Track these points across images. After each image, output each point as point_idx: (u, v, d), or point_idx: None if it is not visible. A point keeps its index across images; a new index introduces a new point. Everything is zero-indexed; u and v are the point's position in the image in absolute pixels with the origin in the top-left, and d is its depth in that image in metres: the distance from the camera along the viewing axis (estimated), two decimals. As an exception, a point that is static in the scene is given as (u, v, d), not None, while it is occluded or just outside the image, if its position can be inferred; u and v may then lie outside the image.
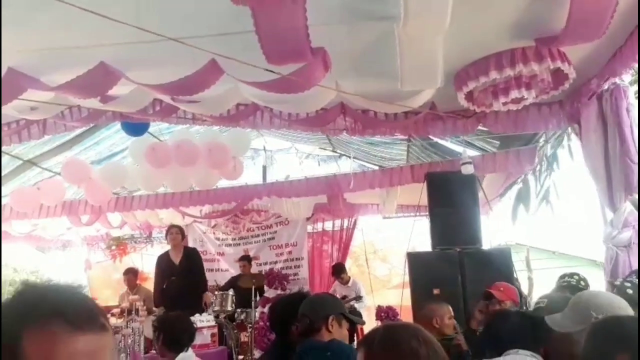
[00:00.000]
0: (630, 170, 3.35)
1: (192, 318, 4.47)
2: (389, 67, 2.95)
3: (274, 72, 2.62)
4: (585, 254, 9.75)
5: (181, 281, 5.81)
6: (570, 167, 4.56)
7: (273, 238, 8.56)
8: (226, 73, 2.82)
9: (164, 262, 6.00)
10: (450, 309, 3.45)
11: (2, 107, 3.14)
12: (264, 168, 8.20)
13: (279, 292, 6.73)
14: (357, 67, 3.27)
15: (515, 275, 4.78)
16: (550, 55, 2.87)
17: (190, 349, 3.37)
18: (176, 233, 6.06)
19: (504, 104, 3.19)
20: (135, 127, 5.05)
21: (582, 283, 3.37)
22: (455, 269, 4.84)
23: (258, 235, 8.63)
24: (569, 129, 4.18)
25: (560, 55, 2.90)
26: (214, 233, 8.80)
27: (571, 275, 3.46)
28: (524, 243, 8.49)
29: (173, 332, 3.26)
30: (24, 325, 0.80)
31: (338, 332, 2.39)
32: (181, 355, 3.23)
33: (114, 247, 9.52)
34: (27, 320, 0.81)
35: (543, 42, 2.84)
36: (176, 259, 5.97)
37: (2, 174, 6.30)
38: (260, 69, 2.61)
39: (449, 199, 5.04)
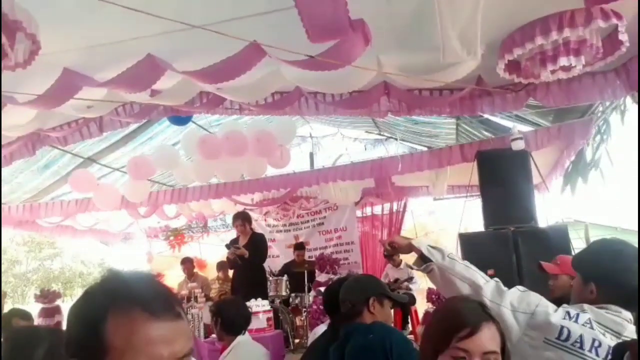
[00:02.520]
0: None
1: (247, 303, 4.61)
2: (431, 38, 2.86)
3: (312, 57, 2.62)
4: (651, 229, 9.23)
5: (246, 265, 6.00)
6: (625, 136, 4.32)
7: (322, 223, 8.64)
8: (268, 55, 2.81)
9: (231, 246, 6.22)
10: None
11: (61, 107, 3.32)
12: (311, 155, 8.26)
13: (330, 276, 6.79)
14: (398, 40, 3.16)
15: (572, 253, 4.61)
16: (602, 15, 2.68)
17: (247, 332, 3.48)
18: (240, 225, 6.27)
19: (553, 72, 3.03)
20: (180, 117, 5.20)
21: None
22: (509, 249, 4.70)
23: (307, 221, 8.74)
24: (627, 97, 3.95)
25: (612, 14, 2.72)
26: (265, 220, 8.99)
27: None
28: (583, 220, 8.14)
29: (229, 317, 3.38)
30: (107, 310, 0.86)
31: (381, 312, 2.38)
32: (238, 338, 3.35)
33: (172, 238, 9.92)
34: (111, 306, 0.87)
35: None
36: (242, 242, 6.18)
37: (65, 172, 6.68)
38: (301, 47, 2.60)
39: (501, 177, 4.89)
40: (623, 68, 3.67)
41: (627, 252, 1.80)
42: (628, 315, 1.69)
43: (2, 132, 3.89)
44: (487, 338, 1.25)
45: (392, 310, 2.66)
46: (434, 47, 2.85)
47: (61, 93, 3.13)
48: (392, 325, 2.69)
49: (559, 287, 3.11)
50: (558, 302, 1.84)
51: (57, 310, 6.45)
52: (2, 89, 2.88)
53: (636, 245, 1.83)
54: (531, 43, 2.82)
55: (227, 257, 6.17)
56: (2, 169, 4.83)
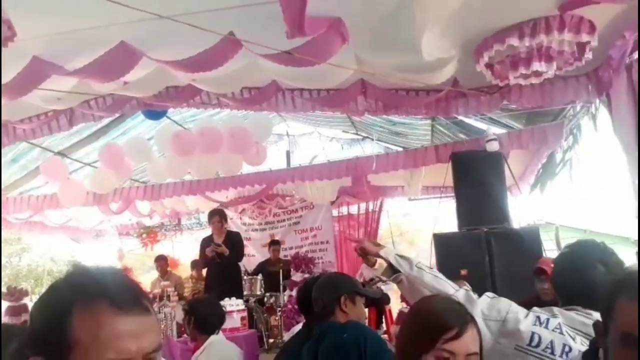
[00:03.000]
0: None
1: (221, 302, 4.55)
2: (409, 38, 2.87)
3: (291, 54, 2.60)
4: (617, 231, 9.51)
5: (222, 263, 5.94)
6: (595, 139, 4.43)
7: (298, 222, 8.63)
8: (245, 47, 2.77)
9: (207, 244, 6.13)
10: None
11: (29, 97, 3.21)
12: (288, 153, 8.23)
13: (305, 275, 6.77)
14: (376, 39, 3.16)
15: (544, 255, 4.69)
16: (574, 24, 2.75)
17: (220, 332, 3.44)
18: (217, 221, 6.18)
19: (525, 76, 3.09)
20: (154, 112, 5.08)
21: None
22: (483, 249, 4.77)
23: (284, 220, 8.71)
24: (597, 101, 4.04)
25: (584, 23, 2.78)
26: (240, 218, 8.92)
27: None
28: (554, 222, 8.32)
29: (203, 316, 3.33)
30: (72, 304, 0.84)
31: (353, 310, 2.37)
32: (212, 337, 3.30)
33: (144, 236, 9.75)
34: (76, 300, 0.84)
35: (568, 5, 2.71)
36: (218, 240, 6.10)
37: (34, 167, 6.50)
38: (279, 43, 2.57)
39: (475, 178, 4.96)
40: (594, 73, 3.76)
41: (579, 252, 1.81)
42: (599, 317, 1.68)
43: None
44: (470, 340, 1.25)
45: (367, 310, 2.66)
46: (412, 48, 2.86)
47: (29, 81, 3.02)
48: (366, 323, 2.69)
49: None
50: (550, 304, 1.83)
51: (24, 308, 6.27)
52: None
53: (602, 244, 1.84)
54: (501, 45, 2.86)
55: (205, 255, 6.09)
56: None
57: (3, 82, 2.96)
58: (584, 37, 2.78)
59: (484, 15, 2.85)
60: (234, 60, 2.82)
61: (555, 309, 1.73)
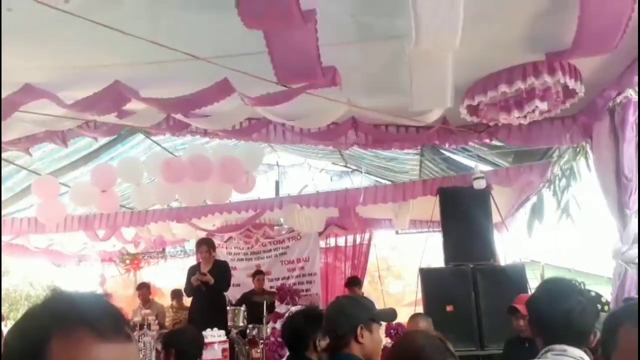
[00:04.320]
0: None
1: (203, 333, 4.47)
2: (401, 84, 2.97)
3: (285, 87, 2.66)
4: (601, 271, 9.57)
5: (208, 292, 5.86)
6: (588, 181, 4.50)
7: (285, 253, 8.56)
8: (237, 92, 2.86)
9: (193, 272, 6.06)
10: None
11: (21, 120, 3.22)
12: (277, 183, 8.25)
13: (290, 307, 6.70)
14: (368, 85, 3.30)
15: (529, 292, 4.71)
16: (561, 69, 2.87)
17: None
18: (205, 251, 6.12)
19: (516, 117, 3.18)
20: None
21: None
22: (469, 285, 4.77)
23: (270, 250, 8.64)
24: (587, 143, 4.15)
25: (570, 69, 2.90)
26: (226, 248, 8.83)
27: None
28: (539, 260, 8.36)
29: (183, 347, 3.27)
30: (51, 331, 0.81)
31: (370, 340, 2.14)
32: None
33: (127, 262, 9.60)
34: (54, 327, 0.81)
35: (554, 55, 2.84)
36: (205, 269, 6.03)
37: (21, 189, 6.43)
38: (271, 88, 2.65)
39: (462, 214, 5.00)
40: (579, 115, 3.87)
41: (549, 287, 1.84)
42: (577, 352, 1.66)
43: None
44: None
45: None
46: (405, 92, 2.95)
47: (17, 104, 3.05)
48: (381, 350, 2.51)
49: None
50: (529, 341, 1.84)
51: (-3, 334, 6.10)
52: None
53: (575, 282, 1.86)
54: (494, 91, 2.96)
55: (190, 283, 6.01)
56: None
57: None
58: (570, 83, 2.88)
59: (474, 62, 2.95)
60: (228, 99, 2.89)
61: None
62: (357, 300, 2.39)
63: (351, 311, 2.22)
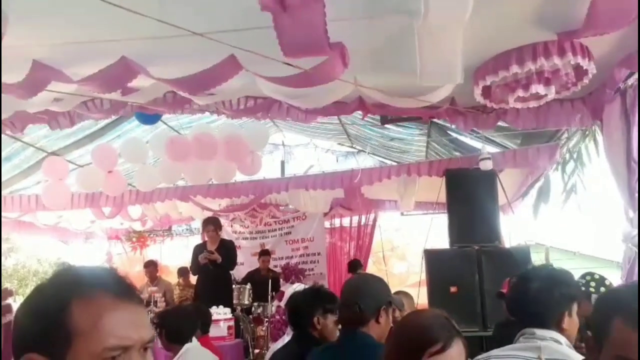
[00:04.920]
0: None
1: (210, 310, 4.53)
2: (409, 62, 2.91)
3: (292, 66, 2.63)
4: (606, 255, 9.57)
5: (214, 271, 5.90)
6: (597, 164, 4.44)
7: (290, 233, 8.60)
8: (245, 69, 2.83)
9: (200, 251, 6.11)
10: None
11: (28, 100, 3.21)
12: (282, 163, 8.24)
13: (294, 286, 6.75)
14: (376, 62, 3.24)
15: (551, 266, 4.70)
16: (572, 50, 2.81)
17: (195, 339, 3.42)
18: (212, 230, 6.23)
19: (523, 99, 3.14)
20: (148, 116, 5.06)
21: (592, 284, 3.26)
22: (473, 267, 4.78)
23: (275, 230, 8.68)
24: (596, 126, 4.09)
25: (582, 50, 2.84)
26: (231, 226, 8.88)
27: (583, 276, 3.36)
28: (544, 243, 8.36)
29: (173, 326, 3.31)
30: (70, 297, 0.83)
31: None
32: (186, 345, 3.29)
33: (134, 239, 9.68)
34: (73, 292, 0.84)
35: (565, 35, 2.78)
36: (211, 248, 6.09)
37: (28, 165, 6.46)
38: (278, 65, 2.61)
39: (468, 196, 4.99)
40: (589, 97, 3.81)
41: (517, 276, 1.94)
42: (546, 333, 1.71)
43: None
44: (456, 353, 1.27)
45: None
46: (412, 71, 2.90)
47: (31, 86, 3.04)
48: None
49: None
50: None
51: (7, 308, 6.19)
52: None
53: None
54: (505, 71, 2.91)
55: (196, 262, 6.07)
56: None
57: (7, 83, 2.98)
58: (583, 63, 2.82)
59: (484, 41, 2.90)
60: (233, 79, 2.86)
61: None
62: (382, 281, 2.29)
63: (377, 290, 2.16)
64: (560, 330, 1.74)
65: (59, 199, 6.43)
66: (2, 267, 17.33)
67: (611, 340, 1.08)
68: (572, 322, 1.78)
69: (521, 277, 1.89)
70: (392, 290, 2.47)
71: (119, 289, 0.87)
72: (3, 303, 6.33)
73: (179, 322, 3.34)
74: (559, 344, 1.69)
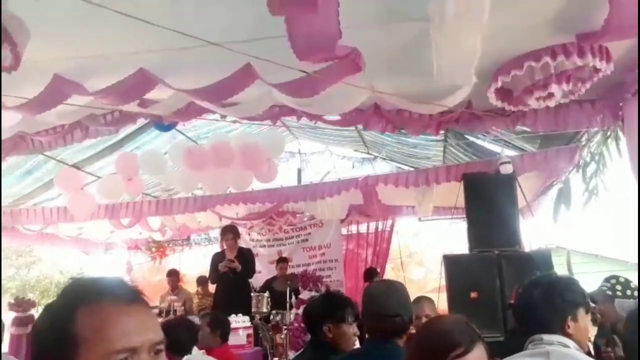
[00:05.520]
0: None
1: (229, 318, 4.54)
2: (425, 67, 2.91)
3: (307, 73, 2.64)
4: (628, 257, 9.37)
5: (233, 279, 5.94)
6: (619, 165, 4.35)
7: (307, 240, 8.60)
8: (260, 78, 2.85)
9: (219, 259, 6.16)
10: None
11: (46, 113, 3.28)
12: (299, 171, 8.26)
13: (313, 293, 6.74)
14: (392, 68, 3.24)
15: (554, 274, 4.62)
16: (591, 52, 2.78)
17: (196, 349, 3.43)
18: (231, 239, 6.31)
19: (541, 99, 3.10)
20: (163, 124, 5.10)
21: (618, 287, 3.20)
22: (493, 272, 4.72)
23: (292, 237, 8.69)
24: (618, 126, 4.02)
25: (601, 51, 2.80)
26: (249, 234, 8.91)
27: (608, 279, 3.30)
28: (565, 246, 8.22)
29: (175, 339, 3.31)
30: (75, 307, 0.86)
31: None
32: (186, 357, 3.30)
33: (153, 249, 9.78)
34: (78, 303, 0.87)
35: (584, 38, 2.75)
36: (230, 256, 6.14)
37: (49, 178, 6.58)
38: (293, 74, 2.63)
39: (487, 200, 4.93)
40: (610, 97, 3.75)
41: (523, 286, 2.02)
42: (553, 338, 1.77)
43: None
44: (478, 357, 1.27)
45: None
46: (429, 74, 2.90)
47: (50, 99, 3.11)
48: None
49: None
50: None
51: (30, 319, 6.27)
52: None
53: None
54: (520, 70, 2.88)
55: (216, 270, 6.11)
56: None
57: (24, 99, 3.04)
58: (600, 65, 2.79)
59: (501, 43, 2.88)
60: (252, 87, 2.89)
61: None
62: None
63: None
64: (566, 334, 1.79)
65: (84, 208, 6.53)
66: (25, 279, 17.64)
67: None
68: (578, 327, 1.83)
69: (525, 286, 1.96)
70: (412, 296, 2.46)
71: (123, 293, 0.90)
72: (26, 314, 6.43)
73: (178, 334, 3.35)
74: (566, 347, 1.74)
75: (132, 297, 0.91)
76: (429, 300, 3.78)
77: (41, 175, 6.57)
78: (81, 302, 0.87)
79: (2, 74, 2.32)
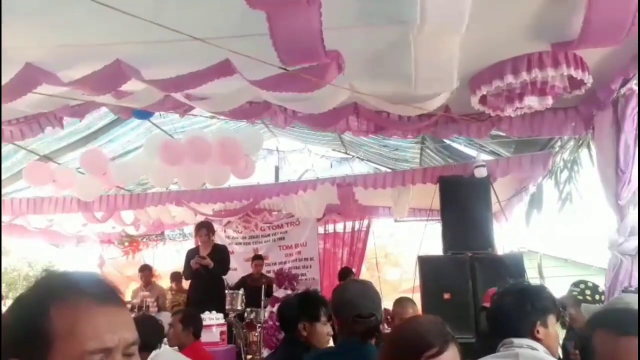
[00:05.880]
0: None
1: (202, 315, 4.50)
2: (404, 70, 2.94)
3: (287, 70, 2.63)
4: (596, 262, 9.62)
5: (207, 276, 5.90)
6: (589, 172, 4.47)
7: (283, 238, 8.58)
8: (238, 73, 2.83)
9: (193, 256, 6.09)
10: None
11: (15, 102, 3.19)
12: (277, 168, 8.23)
13: (288, 292, 6.73)
14: (372, 70, 3.26)
15: (527, 282, 4.72)
16: (566, 61, 2.84)
17: (166, 345, 3.39)
18: (205, 234, 6.23)
19: (519, 109, 3.17)
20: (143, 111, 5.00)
21: (587, 292, 3.30)
22: (467, 274, 4.80)
23: (268, 235, 8.66)
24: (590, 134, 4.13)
25: (576, 60, 2.87)
26: (224, 231, 8.85)
27: (577, 284, 3.39)
28: (537, 250, 8.39)
29: (140, 334, 3.26)
30: (49, 302, 0.83)
31: None
32: (154, 352, 3.26)
33: (126, 244, 9.63)
34: (52, 298, 0.84)
35: (560, 46, 2.81)
36: (204, 253, 6.07)
37: (19, 169, 6.41)
38: (273, 70, 2.62)
39: (461, 203, 5.01)
40: (582, 105, 3.84)
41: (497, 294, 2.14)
42: (524, 341, 1.88)
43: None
44: (451, 358, 1.29)
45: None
46: (408, 78, 2.92)
47: (21, 87, 3.03)
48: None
49: None
50: None
51: (-3, 313, 6.13)
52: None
53: None
54: (500, 81, 2.94)
55: (189, 266, 6.04)
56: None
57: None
58: (576, 74, 2.86)
59: (479, 50, 2.92)
60: (231, 80, 2.85)
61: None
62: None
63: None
64: (535, 339, 1.91)
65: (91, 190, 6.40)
66: (-8, 271, 17.17)
67: (596, 355, 1.12)
68: (548, 333, 1.94)
69: (499, 294, 2.10)
70: (387, 297, 2.49)
71: (99, 291, 0.87)
72: (-8, 307, 6.28)
73: (145, 330, 3.30)
74: (535, 350, 1.84)
75: (108, 295, 0.88)
76: (412, 302, 3.84)
77: (11, 165, 6.39)
78: (55, 297, 0.84)
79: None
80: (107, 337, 0.83)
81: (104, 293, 0.88)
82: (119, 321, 0.87)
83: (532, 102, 2.98)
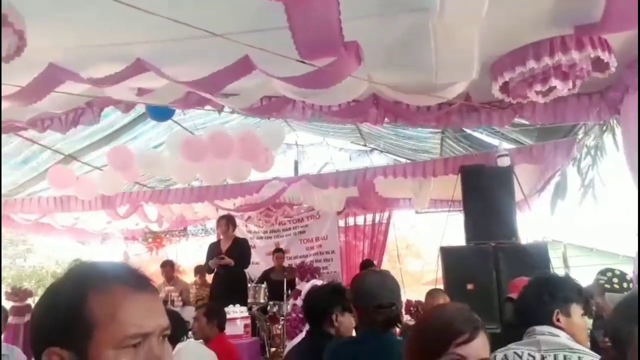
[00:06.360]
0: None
1: (225, 309, 4.56)
2: (423, 59, 2.90)
3: (305, 63, 2.63)
4: (623, 250, 9.43)
5: (229, 270, 5.95)
6: (615, 159, 4.37)
7: (304, 232, 8.61)
8: (258, 69, 2.84)
9: (213, 249, 6.16)
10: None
11: (39, 103, 3.26)
12: (296, 162, 8.25)
13: (318, 282, 6.76)
14: (390, 60, 3.23)
15: (552, 272, 4.66)
16: (591, 44, 2.77)
17: (192, 339, 3.44)
18: (224, 225, 6.32)
19: (541, 93, 3.10)
20: (161, 112, 5.04)
21: (615, 280, 3.23)
22: (490, 264, 4.74)
23: (289, 229, 8.70)
24: (614, 120, 4.03)
25: (602, 43, 2.79)
26: (246, 226, 8.92)
27: (604, 272, 3.33)
28: (561, 239, 8.26)
29: None
30: (87, 290, 0.86)
31: None
32: (179, 345, 3.32)
33: (150, 240, 9.77)
34: (90, 286, 0.86)
35: (582, 30, 2.74)
36: (225, 246, 6.13)
37: (44, 168, 6.55)
38: (292, 65, 2.61)
39: (484, 193, 4.93)
40: (606, 91, 3.75)
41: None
42: (544, 329, 1.94)
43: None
44: (481, 345, 1.28)
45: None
46: (427, 67, 2.89)
47: (44, 86, 3.08)
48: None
49: None
50: None
51: (28, 308, 6.29)
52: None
53: None
54: (522, 67, 2.88)
55: (208, 266, 6.13)
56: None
57: (18, 87, 3.02)
58: (603, 56, 2.78)
59: (500, 36, 2.87)
60: (249, 77, 2.87)
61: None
62: None
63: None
64: (556, 327, 1.96)
65: (89, 192, 6.52)
66: (21, 268, 17.63)
67: (634, 348, 1.08)
68: (571, 322, 1.98)
69: (526, 285, 2.17)
70: (408, 288, 2.51)
71: (133, 279, 0.90)
72: (24, 303, 6.44)
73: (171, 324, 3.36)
74: (556, 336, 1.90)
75: (142, 282, 0.91)
76: (443, 293, 3.85)
77: (37, 165, 6.54)
78: (92, 285, 0.86)
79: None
80: (146, 323, 0.86)
81: (138, 280, 0.91)
82: (154, 307, 0.90)
83: (557, 84, 2.91)
